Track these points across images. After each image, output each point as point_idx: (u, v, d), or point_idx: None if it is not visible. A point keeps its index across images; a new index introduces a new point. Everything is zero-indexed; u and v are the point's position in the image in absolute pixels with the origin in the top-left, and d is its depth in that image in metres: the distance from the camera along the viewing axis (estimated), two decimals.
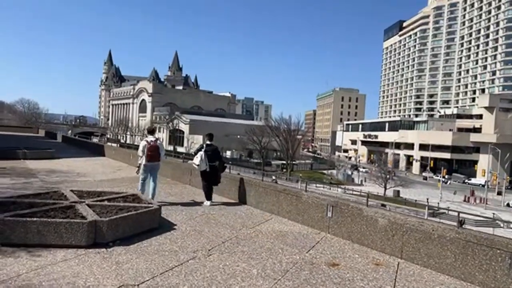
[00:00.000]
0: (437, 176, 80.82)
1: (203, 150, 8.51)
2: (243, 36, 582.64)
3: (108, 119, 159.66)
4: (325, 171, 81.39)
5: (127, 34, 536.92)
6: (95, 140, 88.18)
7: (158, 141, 8.54)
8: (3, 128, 41.66)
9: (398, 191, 55.32)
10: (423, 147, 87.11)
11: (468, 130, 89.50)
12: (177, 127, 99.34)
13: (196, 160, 8.46)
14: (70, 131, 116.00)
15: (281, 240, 6.00)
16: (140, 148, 8.27)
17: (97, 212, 5.62)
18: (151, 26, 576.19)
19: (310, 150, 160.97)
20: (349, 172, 77.74)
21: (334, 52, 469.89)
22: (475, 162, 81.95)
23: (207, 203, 8.54)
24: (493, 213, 44.67)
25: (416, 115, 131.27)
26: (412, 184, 62.19)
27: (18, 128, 49.23)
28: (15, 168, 12.74)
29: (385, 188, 54.27)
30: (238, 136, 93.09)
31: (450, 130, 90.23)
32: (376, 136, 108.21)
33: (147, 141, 8.26)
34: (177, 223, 6.68)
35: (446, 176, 77.60)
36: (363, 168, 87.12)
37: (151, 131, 8.75)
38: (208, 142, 8.73)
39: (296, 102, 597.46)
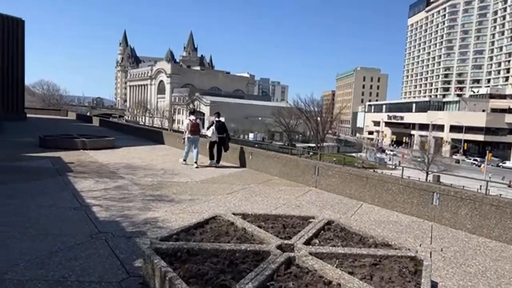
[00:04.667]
0: (469, 159, 77.34)
1: (214, 125, 10.65)
2: (257, 15, 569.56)
3: (125, 101, 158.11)
4: (353, 154, 78.29)
5: (140, 14, 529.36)
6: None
7: (198, 120, 11.17)
8: (31, 111, 39.49)
9: (438, 176, 52.10)
10: (453, 128, 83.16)
11: (503, 110, 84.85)
12: (198, 109, 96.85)
13: (209, 132, 10.64)
14: (88, 113, 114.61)
15: None
16: (185, 125, 11.06)
17: (353, 276, 3.07)
18: (164, 6, 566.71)
19: (330, 132, 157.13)
20: (382, 155, 74.68)
21: (354, 30, 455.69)
22: (510, 144, 78.43)
23: (212, 162, 10.86)
24: None
25: (444, 95, 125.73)
26: (456, 169, 58.69)
27: (44, 111, 47.08)
28: (84, 163, 10.30)
29: (427, 173, 51.21)
30: (259, 118, 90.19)
31: (483, 110, 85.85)
32: (401, 117, 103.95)
33: (190, 120, 10.94)
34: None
35: (479, 159, 74.03)
36: (391, 150, 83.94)
37: (193, 112, 11.54)
38: (217, 119, 10.86)
39: (312, 82, 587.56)
